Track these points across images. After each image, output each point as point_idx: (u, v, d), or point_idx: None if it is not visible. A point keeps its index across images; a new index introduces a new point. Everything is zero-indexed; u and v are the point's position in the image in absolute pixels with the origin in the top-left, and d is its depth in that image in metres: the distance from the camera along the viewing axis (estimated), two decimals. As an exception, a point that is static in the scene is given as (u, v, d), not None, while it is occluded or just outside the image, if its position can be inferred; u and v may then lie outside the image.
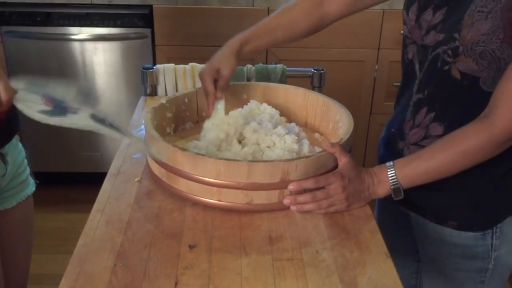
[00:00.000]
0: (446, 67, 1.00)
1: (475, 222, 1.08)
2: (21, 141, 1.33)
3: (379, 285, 0.85)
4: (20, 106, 0.95)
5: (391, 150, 1.17)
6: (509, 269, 1.15)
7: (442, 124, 1.05)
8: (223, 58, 1.20)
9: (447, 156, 0.98)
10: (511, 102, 0.92)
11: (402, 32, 1.13)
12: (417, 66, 1.08)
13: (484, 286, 1.12)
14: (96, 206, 1.02)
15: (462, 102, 1.02)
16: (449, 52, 0.98)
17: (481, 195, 1.07)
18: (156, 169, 1.08)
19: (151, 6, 2.42)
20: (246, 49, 1.22)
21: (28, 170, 1.35)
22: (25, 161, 1.34)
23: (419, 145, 1.09)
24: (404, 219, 1.22)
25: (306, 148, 1.13)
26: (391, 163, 1.02)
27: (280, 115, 1.26)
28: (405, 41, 1.12)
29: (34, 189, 1.37)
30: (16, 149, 1.28)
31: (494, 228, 1.07)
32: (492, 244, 1.08)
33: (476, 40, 0.94)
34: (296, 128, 1.21)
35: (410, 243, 1.26)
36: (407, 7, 1.08)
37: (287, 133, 1.13)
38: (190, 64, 1.51)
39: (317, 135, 1.29)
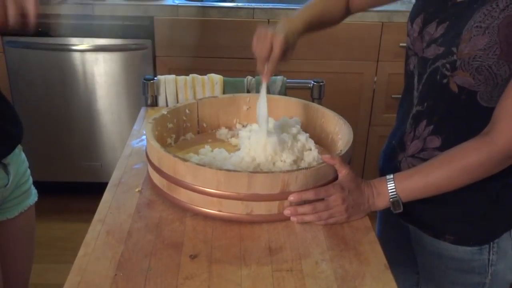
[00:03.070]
0: (445, 81, 1.01)
1: (472, 236, 1.08)
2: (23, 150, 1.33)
3: (378, 296, 0.85)
4: None
5: (390, 162, 1.18)
6: (507, 284, 1.14)
7: (439, 137, 1.06)
8: (293, 35, 1.12)
9: (447, 171, 0.99)
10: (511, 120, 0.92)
11: (404, 43, 1.14)
12: (416, 78, 1.09)
13: None
14: (97, 216, 1.02)
15: (460, 116, 1.03)
16: (448, 65, 0.99)
17: (478, 210, 1.07)
18: (157, 179, 1.09)
19: (152, 17, 2.43)
20: (304, 33, 1.17)
21: (31, 180, 1.35)
22: (28, 171, 1.33)
23: (416, 157, 1.09)
24: (404, 231, 1.22)
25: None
26: (391, 176, 1.03)
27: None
28: (407, 53, 1.13)
29: (36, 199, 1.37)
30: (19, 159, 1.28)
31: (491, 243, 1.07)
32: (489, 259, 1.08)
33: (473, 55, 0.94)
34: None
35: (410, 256, 1.26)
36: (411, 18, 1.09)
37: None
38: (191, 75, 1.52)
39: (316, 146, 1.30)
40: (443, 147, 1.03)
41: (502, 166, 0.97)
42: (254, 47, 1.11)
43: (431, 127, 1.06)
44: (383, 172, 1.06)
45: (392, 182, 1.02)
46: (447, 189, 1.00)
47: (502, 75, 0.94)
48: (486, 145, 0.95)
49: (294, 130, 1.20)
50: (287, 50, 1.11)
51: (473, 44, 0.94)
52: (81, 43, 2.45)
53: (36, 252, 1.46)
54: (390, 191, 1.02)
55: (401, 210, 1.03)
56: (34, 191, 1.37)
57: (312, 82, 1.56)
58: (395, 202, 1.02)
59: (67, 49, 2.46)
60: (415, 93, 1.10)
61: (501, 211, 1.08)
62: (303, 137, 1.18)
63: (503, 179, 1.03)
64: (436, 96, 1.05)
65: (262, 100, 1.15)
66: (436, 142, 1.06)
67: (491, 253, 1.08)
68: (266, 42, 1.08)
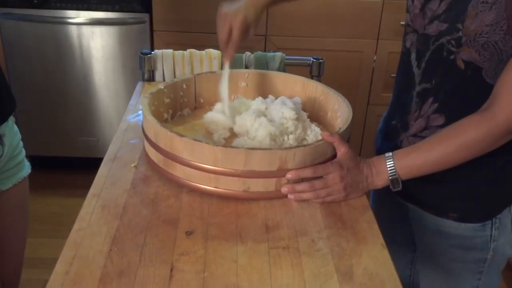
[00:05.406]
0: (452, 57, 1.00)
1: (475, 213, 1.08)
2: (16, 123, 1.32)
3: (375, 275, 0.85)
4: None
5: (390, 142, 1.16)
6: (506, 259, 1.15)
7: (443, 115, 1.04)
8: (254, 11, 1.13)
9: (446, 147, 0.98)
10: None
11: (403, 22, 1.13)
12: (413, 56, 1.08)
13: (482, 277, 1.12)
14: (92, 190, 1.01)
15: (465, 94, 1.01)
16: (453, 42, 0.98)
17: (481, 186, 1.07)
18: (153, 154, 1.07)
19: (150, -9, 2.40)
20: (270, 5, 1.18)
21: (24, 152, 1.35)
22: (21, 143, 1.34)
23: (419, 136, 1.08)
24: (400, 210, 1.22)
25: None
26: (390, 154, 1.02)
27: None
28: (405, 30, 1.11)
29: (29, 171, 1.37)
30: (12, 131, 1.28)
31: (494, 218, 1.08)
32: (491, 235, 1.08)
33: (479, 31, 0.93)
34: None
35: (405, 234, 1.26)
36: None
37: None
38: (188, 50, 1.50)
39: (315, 124, 1.29)
40: (446, 126, 1.02)
41: (502, 141, 0.96)
42: (217, 29, 1.15)
43: (436, 105, 1.05)
44: (381, 153, 1.05)
45: (391, 160, 1.01)
46: (447, 165, 0.99)
47: (508, 51, 0.93)
48: (486, 120, 0.94)
49: (296, 110, 1.17)
50: (248, 29, 1.14)
51: (479, 20, 0.93)
52: (77, 16, 2.41)
53: (31, 227, 1.46)
54: (389, 169, 1.01)
55: (400, 188, 1.02)
56: (27, 163, 1.37)
57: (311, 59, 1.54)
58: (394, 180, 1.01)
59: (63, 21, 2.42)
60: (416, 71, 1.08)
61: (504, 187, 1.07)
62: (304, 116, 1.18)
63: (506, 156, 1.03)
64: (443, 73, 1.03)
65: (224, 80, 1.22)
66: (439, 120, 1.05)
67: (493, 228, 1.08)
68: (226, 25, 1.13)
